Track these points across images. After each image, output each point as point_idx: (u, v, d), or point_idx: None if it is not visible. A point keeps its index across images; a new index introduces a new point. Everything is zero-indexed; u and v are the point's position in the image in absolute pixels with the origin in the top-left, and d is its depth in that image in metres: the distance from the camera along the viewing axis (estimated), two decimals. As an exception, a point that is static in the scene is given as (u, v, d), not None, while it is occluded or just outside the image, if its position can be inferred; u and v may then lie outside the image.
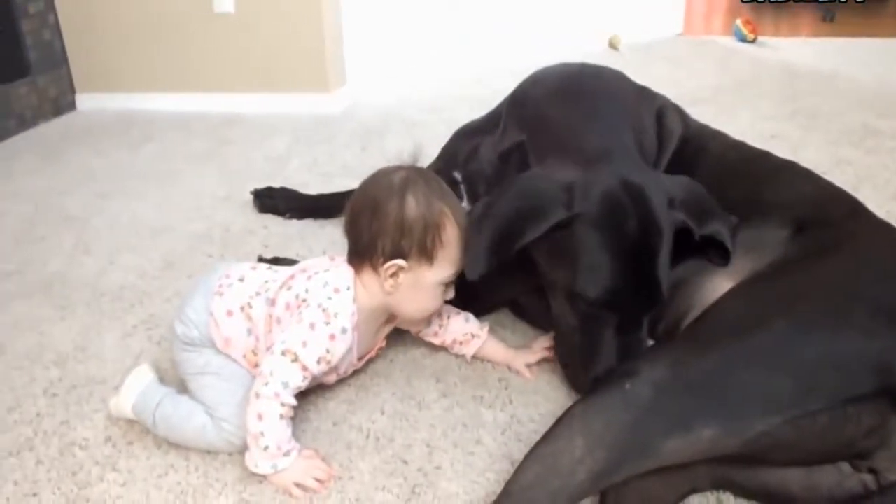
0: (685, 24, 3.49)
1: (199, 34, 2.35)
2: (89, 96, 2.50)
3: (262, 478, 0.86)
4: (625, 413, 0.67)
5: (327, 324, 0.86)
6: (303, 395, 1.00)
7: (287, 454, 0.84)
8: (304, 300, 0.88)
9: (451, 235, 0.89)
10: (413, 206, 0.87)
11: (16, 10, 2.22)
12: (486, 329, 1.04)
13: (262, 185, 1.76)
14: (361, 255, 0.90)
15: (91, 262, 1.43)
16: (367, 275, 0.90)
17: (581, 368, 0.91)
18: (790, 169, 1.03)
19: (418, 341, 1.08)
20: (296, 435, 0.93)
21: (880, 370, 0.66)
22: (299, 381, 0.85)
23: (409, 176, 0.90)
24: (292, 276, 0.92)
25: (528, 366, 1.03)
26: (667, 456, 0.66)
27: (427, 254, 0.88)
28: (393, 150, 1.95)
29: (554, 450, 0.68)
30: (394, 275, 0.88)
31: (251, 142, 2.10)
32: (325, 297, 0.87)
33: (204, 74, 2.40)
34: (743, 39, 3.15)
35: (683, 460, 0.68)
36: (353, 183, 1.73)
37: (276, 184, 1.77)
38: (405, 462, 0.88)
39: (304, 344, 0.85)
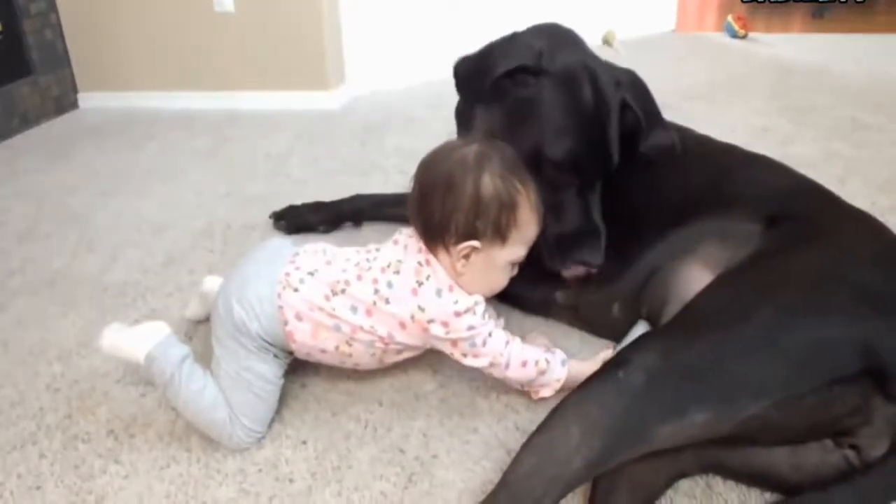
0: (678, 21, 3.47)
1: (200, 33, 2.33)
2: (91, 95, 2.48)
3: (261, 468, 0.86)
4: (618, 401, 0.67)
5: (474, 314, 0.85)
6: (302, 386, 1.00)
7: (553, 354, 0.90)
8: (430, 320, 0.85)
9: (526, 215, 0.87)
10: (489, 185, 0.84)
11: (18, 11, 2.21)
12: (502, 320, 1.03)
13: (262, 182, 1.76)
14: (433, 234, 0.87)
15: (94, 258, 1.42)
16: (441, 255, 0.87)
17: (551, 232, 0.99)
18: (759, 161, 1.03)
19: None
20: (295, 425, 0.93)
21: (864, 352, 0.66)
22: (489, 326, 0.87)
23: (483, 151, 0.86)
24: (375, 281, 0.87)
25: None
26: (660, 441, 0.66)
27: (500, 234, 0.85)
28: (391, 147, 1.96)
29: (550, 439, 0.68)
30: (466, 255, 0.86)
31: (252, 139, 2.09)
32: (451, 303, 0.85)
33: (205, 73, 2.39)
34: (734, 36, 3.14)
35: (676, 444, 0.68)
36: (352, 179, 1.75)
37: (278, 180, 1.77)
38: (402, 451, 0.88)
39: (471, 327, 0.85)
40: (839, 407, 0.67)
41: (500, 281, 0.92)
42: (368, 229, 1.47)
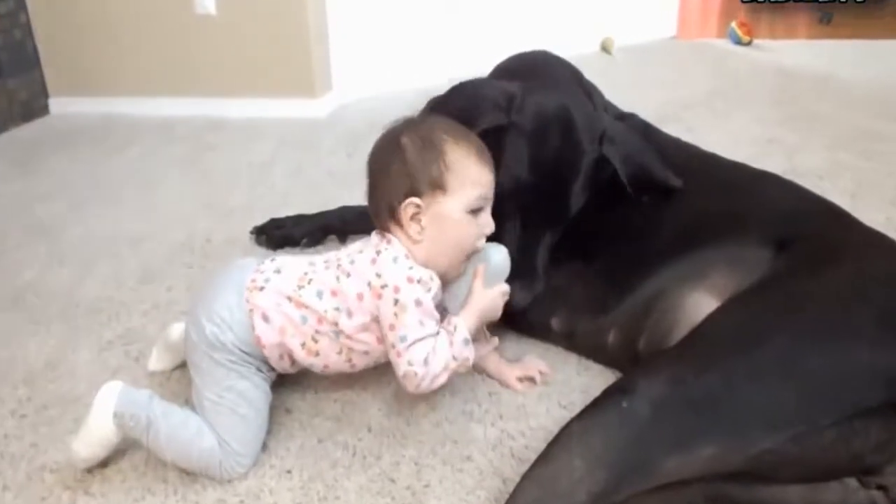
0: (679, 27, 3.51)
1: (180, 36, 2.34)
2: (64, 100, 2.47)
3: (243, 499, 0.85)
4: (622, 432, 0.66)
5: (428, 290, 0.88)
6: (287, 412, 0.99)
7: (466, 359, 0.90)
8: (384, 285, 0.87)
9: (456, 157, 0.90)
10: (409, 145, 0.90)
11: (-13, 11, 2.21)
12: (495, 339, 1.02)
13: (245, 192, 1.76)
14: (384, 217, 0.92)
15: (65, 272, 1.41)
16: (397, 232, 0.91)
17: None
18: (767, 180, 1.03)
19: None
20: (279, 453, 0.92)
21: (888, 382, 0.65)
22: (434, 332, 0.88)
23: (402, 126, 0.93)
24: (339, 266, 0.91)
25: (520, 380, 1.02)
26: (666, 474, 0.66)
27: (437, 183, 0.89)
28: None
29: (552, 471, 0.68)
30: (413, 217, 0.89)
31: (235, 147, 2.09)
32: (405, 268, 0.88)
33: (185, 77, 2.39)
34: (738, 42, 3.18)
35: (683, 477, 0.68)
36: (339, 190, 1.75)
37: (261, 191, 1.77)
38: (393, 480, 0.87)
39: (421, 323, 0.86)
40: (861, 442, 0.66)
41: (465, 236, 0.91)
42: (356, 243, 1.46)
